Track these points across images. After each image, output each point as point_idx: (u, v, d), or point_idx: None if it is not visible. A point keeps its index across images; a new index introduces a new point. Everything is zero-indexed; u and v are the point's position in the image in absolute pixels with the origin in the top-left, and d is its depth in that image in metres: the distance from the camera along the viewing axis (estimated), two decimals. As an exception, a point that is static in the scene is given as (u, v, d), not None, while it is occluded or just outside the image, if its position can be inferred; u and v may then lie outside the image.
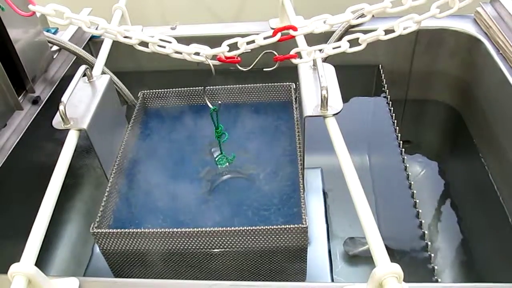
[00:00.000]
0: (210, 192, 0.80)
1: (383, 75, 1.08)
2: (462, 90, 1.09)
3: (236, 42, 0.63)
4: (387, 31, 0.64)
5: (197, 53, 0.64)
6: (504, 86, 0.88)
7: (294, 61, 0.66)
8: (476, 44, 1.00)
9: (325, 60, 0.77)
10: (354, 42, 0.66)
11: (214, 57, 0.65)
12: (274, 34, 0.62)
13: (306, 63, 0.75)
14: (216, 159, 0.81)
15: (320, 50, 0.67)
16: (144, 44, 0.65)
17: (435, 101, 1.17)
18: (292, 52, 0.66)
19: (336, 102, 0.69)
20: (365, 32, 0.65)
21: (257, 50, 0.64)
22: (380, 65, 1.11)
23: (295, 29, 0.64)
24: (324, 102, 0.66)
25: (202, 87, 0.92)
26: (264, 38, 0.63)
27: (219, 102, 0.94)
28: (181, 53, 0.64)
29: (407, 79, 1.14)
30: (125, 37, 0.65)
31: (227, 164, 0.82)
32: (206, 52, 0.64)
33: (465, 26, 1.03)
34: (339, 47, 0.65)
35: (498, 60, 0.91)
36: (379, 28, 0.64)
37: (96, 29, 0.66)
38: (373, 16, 0.66)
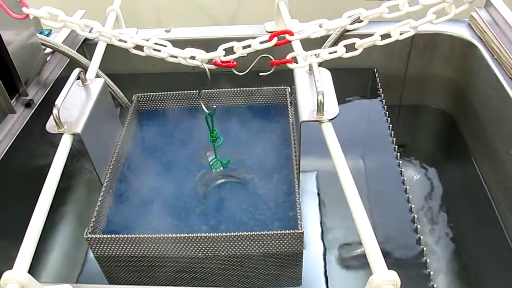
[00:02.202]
0: (205, 197, 0.79)
1: (378, 78, 1.08)
2: (456, 94, 1.10)
3: (232, 46, 0.63)
4: (383, 36, 0.64)
5: (192, 57, 0.64)
6: (499, 90, 0.88)
7: (290, 66, 0.66)
8: (470, 49, 1.00)
9: (320, 64, 0.77)
10: (349, 46, 0.65)
11: (209, 61, 0.64)
12: (270, 39, 0.62)
13: (302, 68, 0.75)
14: (211, 163, 0.81)
15: (316, 55, 0.66)
16: (139, 47, 0.64)
17: (430, 105, 1.17)
18: (288, 56, 0.66)
19: (332, 107, 0.68)
20: (361, 36, 0.65)
21: (252, 54, 0.64)
22: (375, 69, 1.11)
23: (291, 33, 0.63)
24: (320, 107, 0.66)
25: (197, 91, 0.92)
26: (260, 43, 0.63)
27: (214, 106, 0.93)
28: (176, 57, 0.64)
29: (402, 83, 1.14)
30: (119, 40, 0.65)
31: (222, 168, 0.81)
32: (201, 56, 0.63)
33: (459, 30, 1.03)
34: (335, 52, 0.65)
35: (492, 65, 0.92)
36: (376, 33, 0.64)
37: (90, 32, 0.66)
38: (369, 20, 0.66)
